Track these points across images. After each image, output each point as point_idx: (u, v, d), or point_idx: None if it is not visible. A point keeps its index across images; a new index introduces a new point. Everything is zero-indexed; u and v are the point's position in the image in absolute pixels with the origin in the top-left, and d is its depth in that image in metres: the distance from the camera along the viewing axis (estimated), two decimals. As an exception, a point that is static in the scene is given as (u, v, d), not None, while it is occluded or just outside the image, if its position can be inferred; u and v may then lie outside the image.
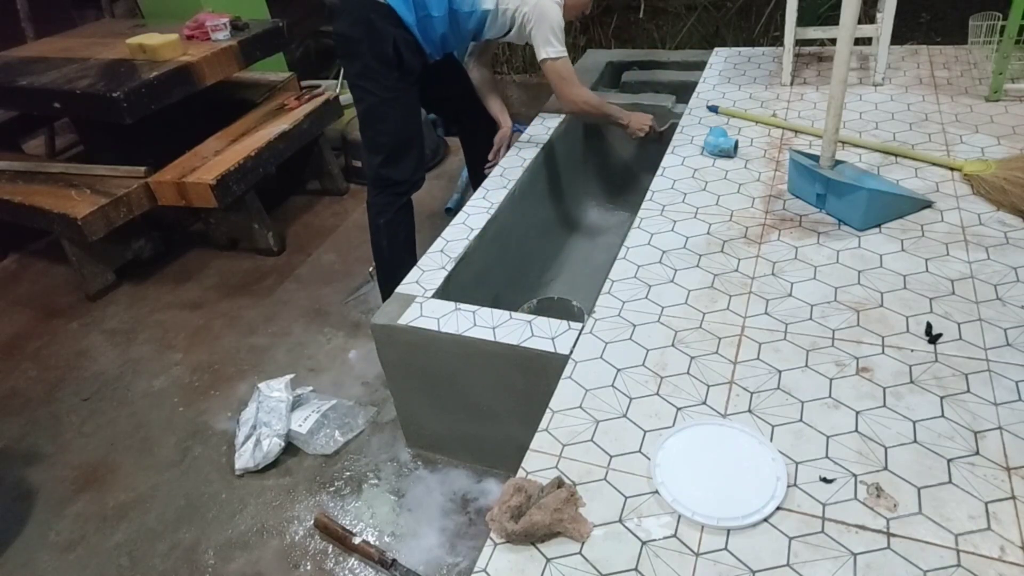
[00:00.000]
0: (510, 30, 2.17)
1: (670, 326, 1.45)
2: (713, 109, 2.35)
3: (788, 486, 1.08)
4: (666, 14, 4.23)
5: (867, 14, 2.69)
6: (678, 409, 1.25)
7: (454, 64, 2.47)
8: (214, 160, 2.87)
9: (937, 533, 1.00)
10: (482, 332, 1.58)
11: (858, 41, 2.07)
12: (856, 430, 1.17)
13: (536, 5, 2.07)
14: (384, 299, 1.82)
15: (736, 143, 2.07)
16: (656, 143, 2.36)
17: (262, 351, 2.52)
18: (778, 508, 1.05)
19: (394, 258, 2.25)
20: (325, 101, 3.31)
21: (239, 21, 3.19)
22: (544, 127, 2.49)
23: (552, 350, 1.49)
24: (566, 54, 2.16)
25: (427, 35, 2.12)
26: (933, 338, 1.32)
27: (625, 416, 1.26)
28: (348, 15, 2.09)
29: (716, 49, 2.89)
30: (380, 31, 2.04)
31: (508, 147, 2.46)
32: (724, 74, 2.63)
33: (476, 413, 1.77)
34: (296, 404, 2.13)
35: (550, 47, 2.12)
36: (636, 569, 1.00)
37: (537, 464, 1.19)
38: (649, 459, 1.16)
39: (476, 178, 2.57)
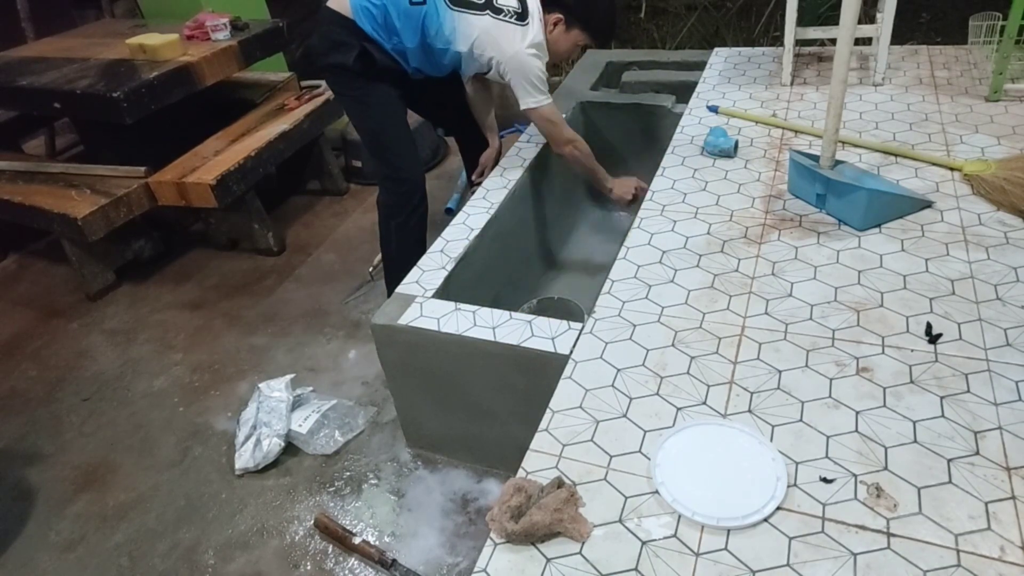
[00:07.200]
0: (489, 70, 2.12)
1: (670, 326, 1.45)
2: (713, 109, 2.34)
3: (788, 486, 1.08)
4: (666, 14, 4.23)
5: (867, 14, 2.68)
6: (678, 409, 1.25)
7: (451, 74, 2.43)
8: (214, 160, 2.88)
9: (937, 533, 1.00)
10: (482, 332, 1.58)
11: (858, 41, 2.07)
12: (856, 430, 1.17)
13: (512, 57, 2.01)
14: (389, 297, 1.83)
15: (736, 143, 2.06)
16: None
17: (262, 351, 2.52)
18: (778, 508, 1.05)
19: (401, 261, 2.19)
20: (325, 101, 3.30)
21: (239, 21, 3.19)
22: (544, 127, 2.48)
23: (552, 350, 1.49)
24: (550, 100, 2.09)
25: (404, 60, 2.10)
26: (933, 338, 1.32)
27: (625, 416, 1.26)
28: (317, 31, 2.11)
29: (716, 49, 2.89)
30: (344, 43, 2.02)
31: (494, 167, 2.37)
32: (724, 74, 2.63)
33: (476, 413, 1.77)
34: (296, 404, 2.14)
35: (531, 98, 2.05)
36: (636, 569, 1.00)
37: (537, 464, 1.19)
38: (649, 459, 1.16)
39: (472, 185, 2.54)
